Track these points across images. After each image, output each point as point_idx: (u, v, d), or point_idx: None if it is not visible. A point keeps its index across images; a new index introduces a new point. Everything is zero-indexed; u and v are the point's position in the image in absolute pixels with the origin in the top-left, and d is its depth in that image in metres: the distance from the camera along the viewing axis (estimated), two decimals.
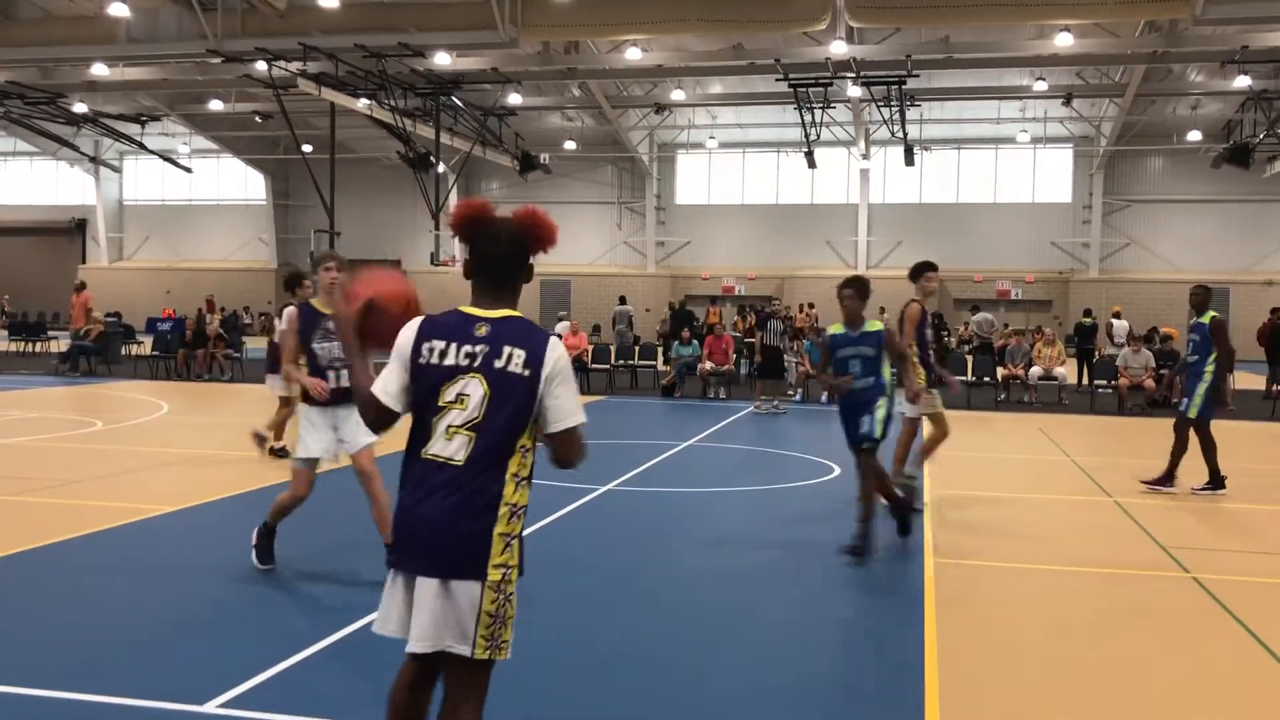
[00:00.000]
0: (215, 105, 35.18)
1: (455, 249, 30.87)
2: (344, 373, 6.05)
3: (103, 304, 29.78)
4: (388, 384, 2.97)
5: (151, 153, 38.22)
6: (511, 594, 2.92)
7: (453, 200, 32.40)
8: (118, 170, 45.79)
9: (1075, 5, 22.19)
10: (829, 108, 30.41)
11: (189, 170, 40.93)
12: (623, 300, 31.15)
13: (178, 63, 28.63)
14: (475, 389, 2.88)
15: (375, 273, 3.23)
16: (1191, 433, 9.61)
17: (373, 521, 6.09)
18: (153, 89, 32.89)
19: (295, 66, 25.25)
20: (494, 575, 2.86)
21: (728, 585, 6.35)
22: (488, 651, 2.88)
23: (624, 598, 6.08)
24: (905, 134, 31.40)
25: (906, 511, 7.46)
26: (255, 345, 23.74)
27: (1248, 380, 20.67)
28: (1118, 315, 25.89)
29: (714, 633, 5.46)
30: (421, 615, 2.85)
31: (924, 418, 8.64)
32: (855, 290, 7.07)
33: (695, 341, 19.72)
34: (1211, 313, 9.72)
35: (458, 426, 2.88)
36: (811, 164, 33.72)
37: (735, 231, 40.79)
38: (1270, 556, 7.46)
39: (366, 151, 39.29)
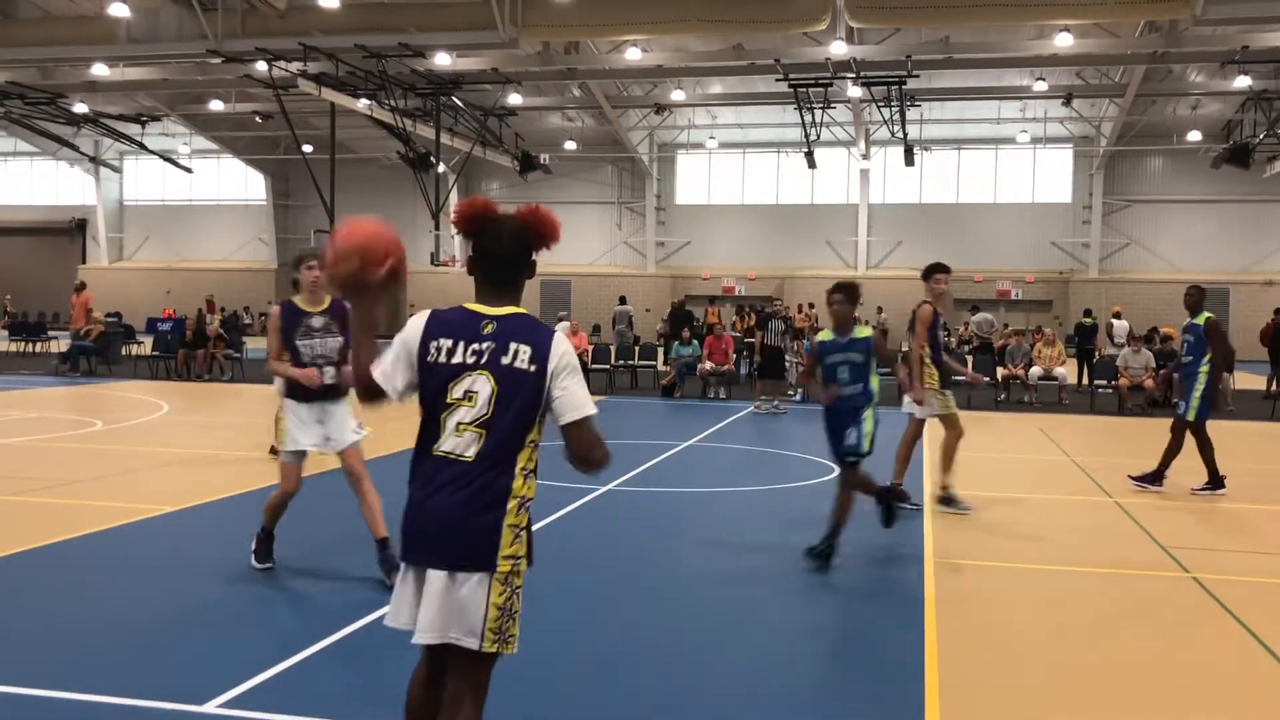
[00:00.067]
0: (215, 105, 35.18)
1: (455, 249, 30.88)
2: (329, 370, 6.09)
3: (103, 304, 29.80)
4: (392, 377, 2.97)
5: (152, 153, 38.22)
6: (519, 587, 2.95)
7: (453, 200, 32.38)
8: (118, 170, 45.79)
9: (1075, 5, 22.19)
10: (829, 108, 30.41)
11: (189, 170, 40.94)
12: (623, 300, 31.14)
13: (178, 63, 28.62)
14: (483, 386, 2.90)
15: (347, 237, 2.99)
16: (1188, 434, 9.62)
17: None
18: (153, 89, 32.89)
19: (295, 67, 25.25)
20: (504, 567, 2.89)
21: (728, 585, 6.35)
22: (495, 645, 2.90)
23: (624, 598, 6.08)
24: (905, 134, 31.39)
25: (892, 501, 7.25)
26: (255, 345, 23.72)
27: (1248, 380, 20.67)
28: (1118, 315, 25.89)
29: (714, 633, 5.46)
30: (429, 606, 2.87)
31: (934, 419, 8.64)
32: (845, 295, 6.89)
33: (695, 341, 19.72)
34: (1206, 313, 9.73)
35: (467, 424, 2.90)
36: (811, 164, 33.72)
37: (735, 231, 40.79)
38: (1270, 556, 7.46)
39: (366, 152, 39.29)
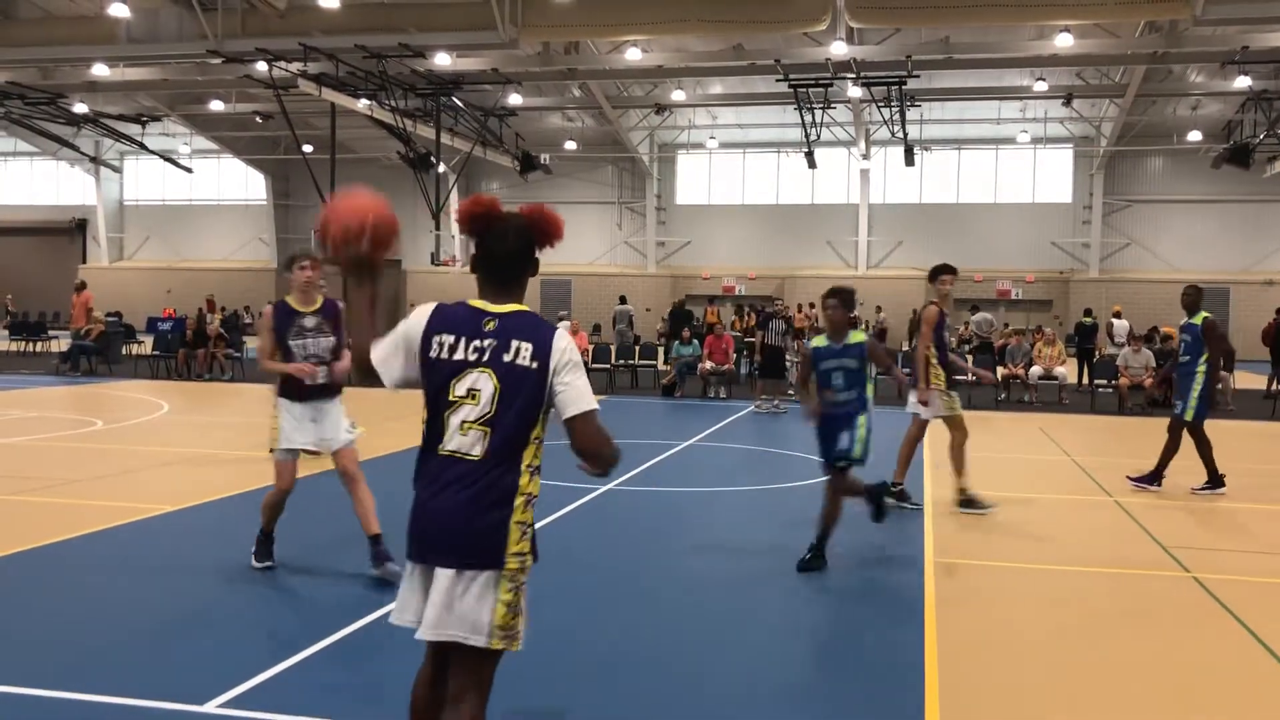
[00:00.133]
0: (215, 105, 35.18)
1: (455, 249, 30.84)
2: (321, 369, 6.11)
3: (103, 304, 29.79)
4: (391, 367, 2.98)
5: (152, 153, 38.21)
6: (524, 583, 2.95)
7: (453, 201, 32.39)
8: (118, 170, 45.80)
9: (1075, 5, 22.18)
10: (829, 108, 30.40)
11: (189, 170, 40.92)
12: (623, 300, 31.14)
13: (178, 63, 28.62)
14: (486, 384, 2.91)
15: (339, 217, 2.96)
16: (1186, 434, 9.62)
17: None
18: (153, 89, 32.89)
19: (295, 67, 25.24)
20: (511, 564, 2.90)
21: (728, 585, 6.35)
22: (503, 642, 2.90)
23: (624, 598, 6.08)
24: (905, 134, 31.39)
25: (881, 497, 7.08)
26: (255, 345, 23.71)
27: (1248, 380, 20.66)
28: (1118, 315, 25.88)
29: (714, 633, 5.45)
30: (436, 605, 2.88)
31: (937, 420, 8.63)
32: (840, 300, 6.79)
33: (695, 341, 19.73)
34: (1203, 313, 9.72)
35: (472, 422, 2.90)
36: (812, 164, 33.71)
37: (735, 231, 40.79)
38: (1270, 556, 7.46)
39: (367, 152, 39.27)
